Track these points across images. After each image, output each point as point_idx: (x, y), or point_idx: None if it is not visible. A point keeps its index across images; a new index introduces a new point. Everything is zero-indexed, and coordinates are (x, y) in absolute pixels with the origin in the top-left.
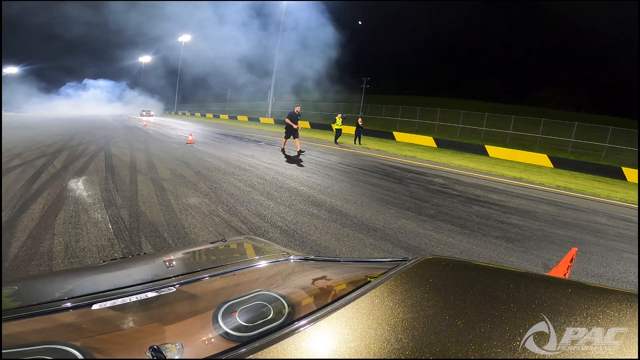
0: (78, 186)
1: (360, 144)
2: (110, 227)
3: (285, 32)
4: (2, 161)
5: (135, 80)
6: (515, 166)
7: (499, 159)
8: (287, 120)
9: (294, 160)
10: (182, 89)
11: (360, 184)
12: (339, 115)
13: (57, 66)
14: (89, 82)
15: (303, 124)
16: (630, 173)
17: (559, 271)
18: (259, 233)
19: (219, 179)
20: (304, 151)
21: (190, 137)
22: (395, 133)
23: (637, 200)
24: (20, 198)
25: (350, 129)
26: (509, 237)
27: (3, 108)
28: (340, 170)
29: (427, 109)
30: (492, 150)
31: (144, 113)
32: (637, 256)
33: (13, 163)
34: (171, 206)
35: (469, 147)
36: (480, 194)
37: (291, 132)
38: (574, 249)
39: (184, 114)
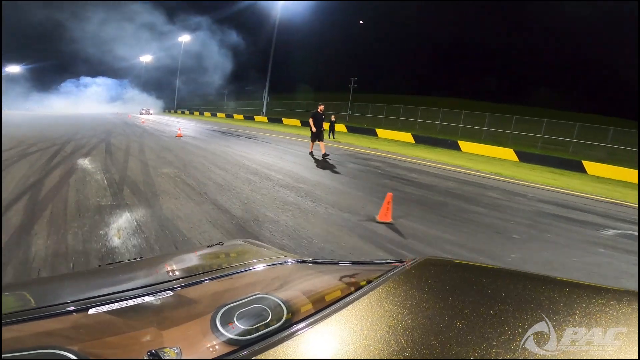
0: (85, 162)
1: (334, 138)
2: (105, 182)
3: (278, 33)
4: (20, 149)
5: (136, 78)
6: (476, 159)
7: (471, 153)
8: (311, 122)
9: (272, 150)
10: (182, 87)
11: (305, 162)
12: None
13: (55, 64)
14: (87, 80)
15: (293, 122)
16: (590, 166)
17: (383, 213)
18: (201, 186)
19: (191, 159)
20: (328, 154)
21: (179, 132)
22: (377, 130)
23: (558, 186)
24: (44, 169)
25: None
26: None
27: (9, 107)
28: (299, 155)
29: (410, 107)
30: (465, 145)
31: (143, 111)
32: None
33: (36, 147)
34: (149, 173)
35: (443, 142)
36: (402, 173)
37: (316, 136)
38: (390, 194)
39: (183, 112)
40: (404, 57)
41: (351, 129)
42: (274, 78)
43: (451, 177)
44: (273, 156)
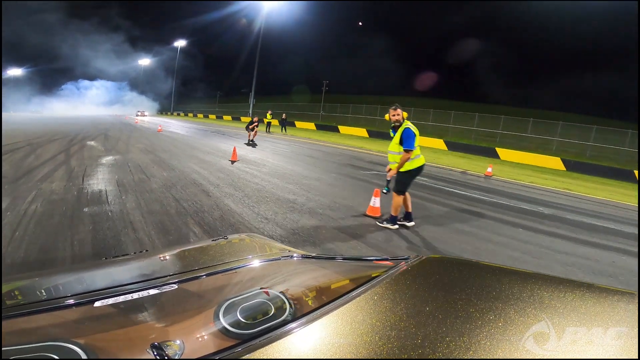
0: (91, 142)
1: (286, 132)
2: (103, 149)
3: (264, 42)
4: (47, 137)
5: (135, 81)
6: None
7: None
8: (248, 127)
9: (224, 139)
10: (177, 91)
11: (234, 143)
12: (269, 112)
13: (54, 68)
14: (86, 82)
15: (273, 122)
16: (502, 152)
17: (233, 155)
18: (154, 151)
19: (158, 142)
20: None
21: (159, 128)
22: (340, 127)
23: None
24: (68, 145)
25: (283, 123)
26: (270, 155)
27: (15, 110)
28: (238, 141)
29: (371, 106)
30: None
31: (139, 113)
32: None
33: (57, 137)
34: (129, 148)
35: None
36: (298, 150)
37: (250, 130)
38: (235, 147)
39: (178, 114)
40: (369, 60)
41: (320, 127)
42: (260, 83)
43: (335, 153)
44: (218, 141)
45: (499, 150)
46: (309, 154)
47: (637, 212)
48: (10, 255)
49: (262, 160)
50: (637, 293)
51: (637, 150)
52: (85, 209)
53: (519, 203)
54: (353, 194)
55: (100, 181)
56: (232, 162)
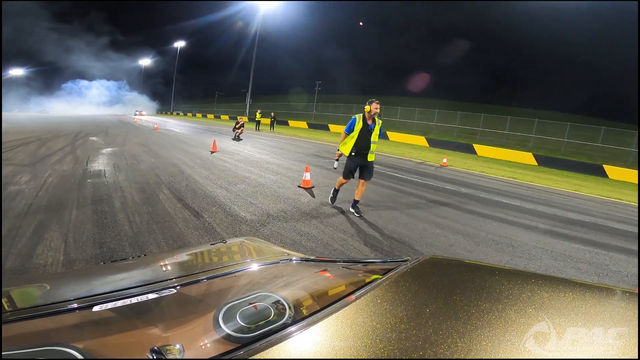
0: (93, 138)
1: (274, 130)
2: (103, 143)
3: (261, 45)
4: (55, 133)
5: (134, 82)
6: (383, 143)
7: (393, 140)
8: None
9: (212, 135)
10: (177, 90)
11: (217, 137)
12: (258, 111)
13: (53, 68)
14: (85, 82)
15: (265, 121)
16: (479, 148)
17: (213, 146)
18: (147, 144)
19: (152, 138)
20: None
21: (155, 126)
22: (330, 125)
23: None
24: (74, 140)
25: (272, 121)
26: (251, 146)
27: (21, 110)
28: (223, 137)
29: (361, 105)
30: (391, 135)
31: (137, 113)
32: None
33: (62, 133)
34: (127, 142)
35: None
36: (268, 142)
37: (237, 129)
38: (215, 140)
39: (178, 114)
40: (361, 60)
41: (312, 126)
42: (258, 83)
43: (309, 147)
44: (206, 138)
45: (476, 146)
46: (284, 147)
47: (552, 195)
48: (38, 202)
49: (238, 151)
50: (637, 293)
51: (607, 146)
52: (89, 180)
53: (446, 184)
54: (301, 175)
55: (100, 164)
56: (212, 152)
